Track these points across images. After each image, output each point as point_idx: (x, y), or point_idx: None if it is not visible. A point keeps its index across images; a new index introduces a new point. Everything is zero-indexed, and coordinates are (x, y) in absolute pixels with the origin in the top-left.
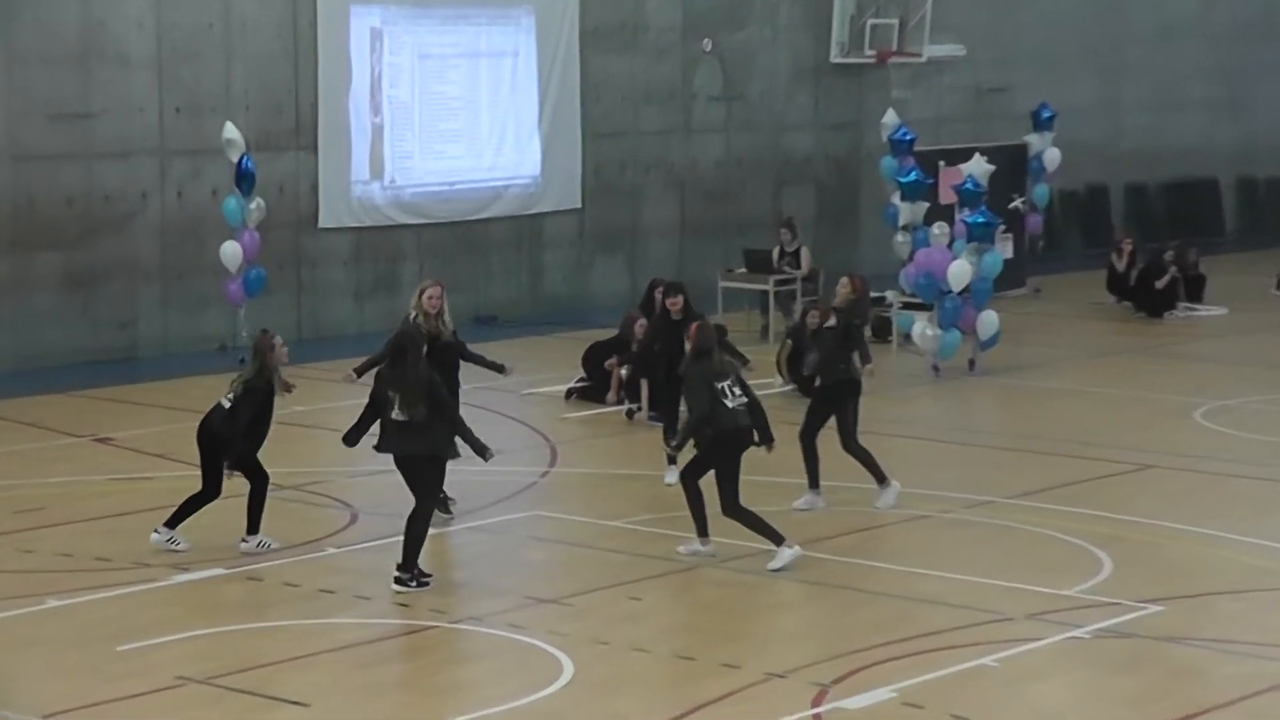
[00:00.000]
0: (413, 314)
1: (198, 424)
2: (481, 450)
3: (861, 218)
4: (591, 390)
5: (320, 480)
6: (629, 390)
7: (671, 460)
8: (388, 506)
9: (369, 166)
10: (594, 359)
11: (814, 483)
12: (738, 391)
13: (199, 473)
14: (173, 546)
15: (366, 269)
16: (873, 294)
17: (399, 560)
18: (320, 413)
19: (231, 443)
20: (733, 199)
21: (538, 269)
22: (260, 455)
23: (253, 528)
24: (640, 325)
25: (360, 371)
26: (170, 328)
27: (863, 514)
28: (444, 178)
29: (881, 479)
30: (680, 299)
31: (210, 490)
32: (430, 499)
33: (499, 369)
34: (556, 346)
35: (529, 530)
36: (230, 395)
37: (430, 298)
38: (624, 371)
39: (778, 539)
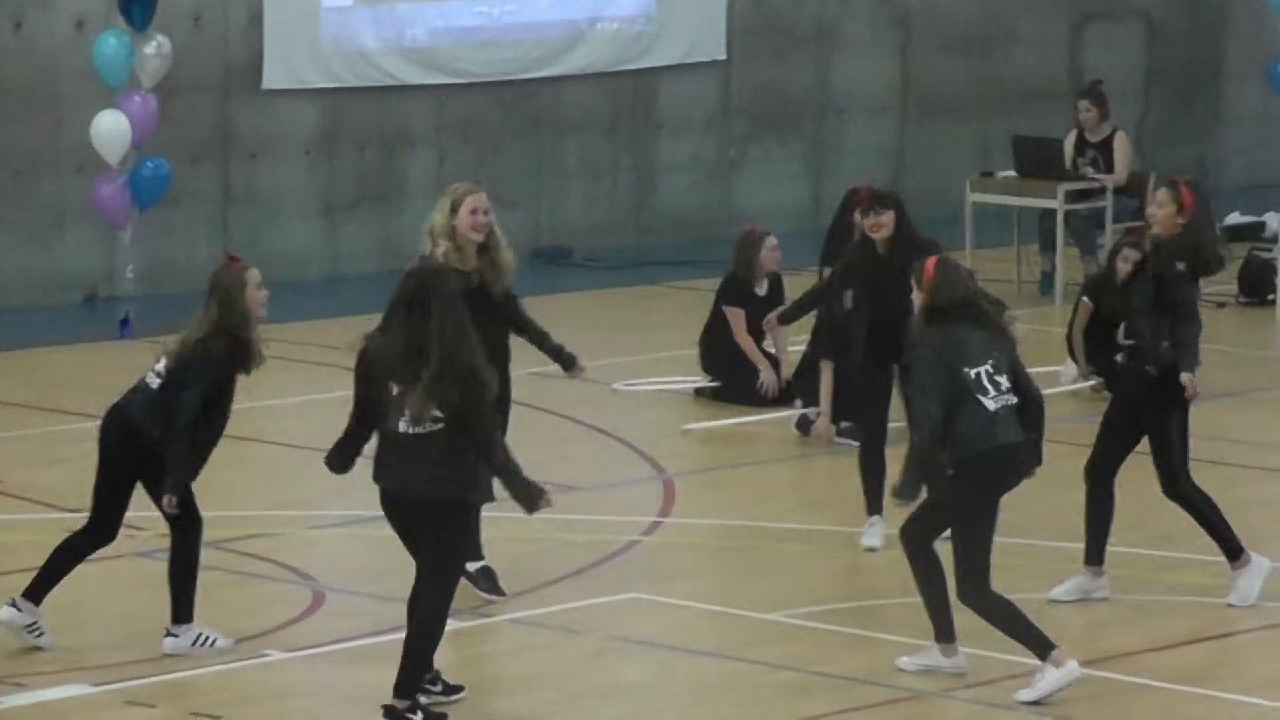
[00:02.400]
0: (438, 246)
1: (101, 419)
2: (530, 498)
3: (1227, 82)
4: (732, 390)
5: (263, 533)
6: (802, 382)
7: (875, 509)
8: (373, 579)
9: None
10: (722, 339)
11: (1095, 556)
12: (1003, 384)
13: (90, 502)
14: (33, 636)
15: (346, 164)
16: (1244, 219)
17: (395, 681)
18: (265, 414)
19: (170, 450)
20: (994, 49)
21: (645, 168)
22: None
23: (184, 612)
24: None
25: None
26: (2, 263)
27: (1204, 609)
28: (484, 5)
29: (1234, 551)
30: (890, 217)
31: (103, 530)
32: (449, 574)
33: (568, 364)
34: (678, 303)
35: (620, 625)
36: (163, 367)
37: (475, 214)
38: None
39: (1045, 647)
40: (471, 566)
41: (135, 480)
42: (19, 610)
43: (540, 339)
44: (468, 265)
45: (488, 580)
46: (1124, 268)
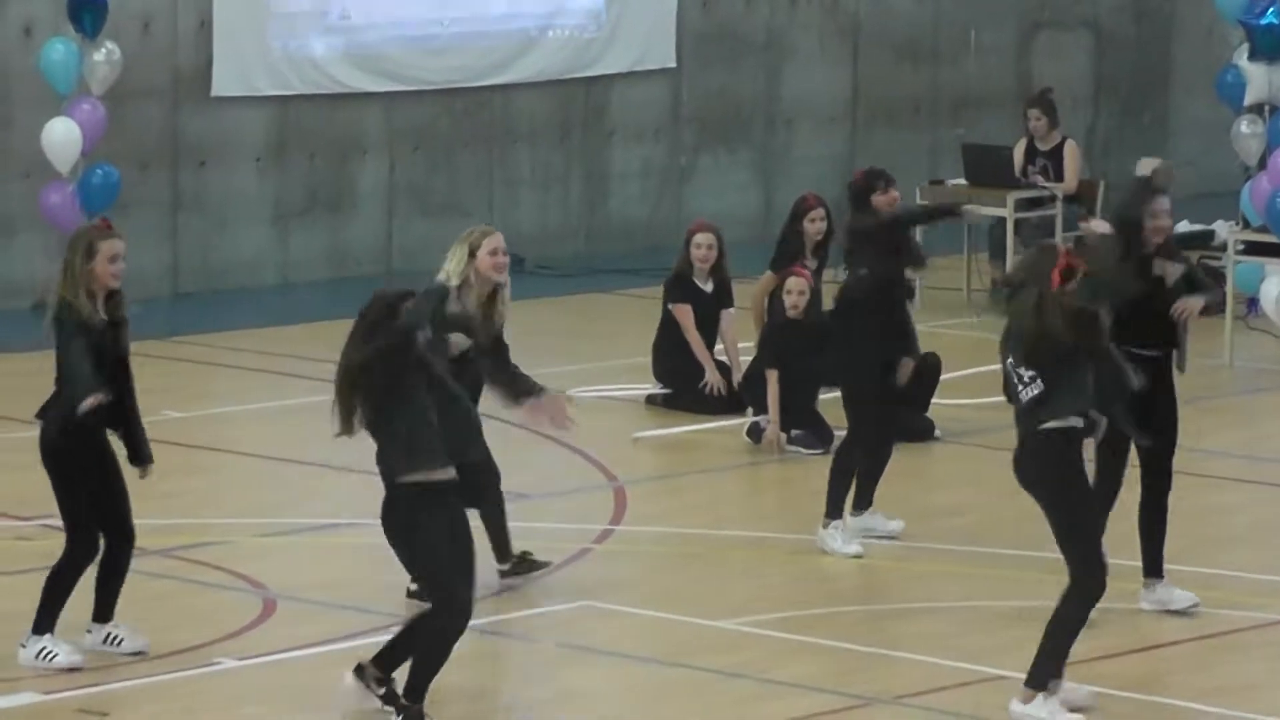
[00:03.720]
0: (453, 279)
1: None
2: None
3: (1175, 91)
4: (683, 397)
5: (214, 541)
6: (752, 391)
7: (835, 513)
8: (323, 587)
9: None
10: (674, 345)
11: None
12: (1026, 376)
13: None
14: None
15: (296, 171)
16: (1193, 228)
17: (403, 695)
18: (216, 421)
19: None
20: (944, 56)
21: (598, 176)
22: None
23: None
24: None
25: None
26: None
27: (1150, 617)
28: (435, 12)
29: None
30: (895, 194)
31: (85, 542)
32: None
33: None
34: (628, 311)
35: (572, 633)
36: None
37: (495, 254)
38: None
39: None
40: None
41: (91, 479)
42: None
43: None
44: (479, 309)
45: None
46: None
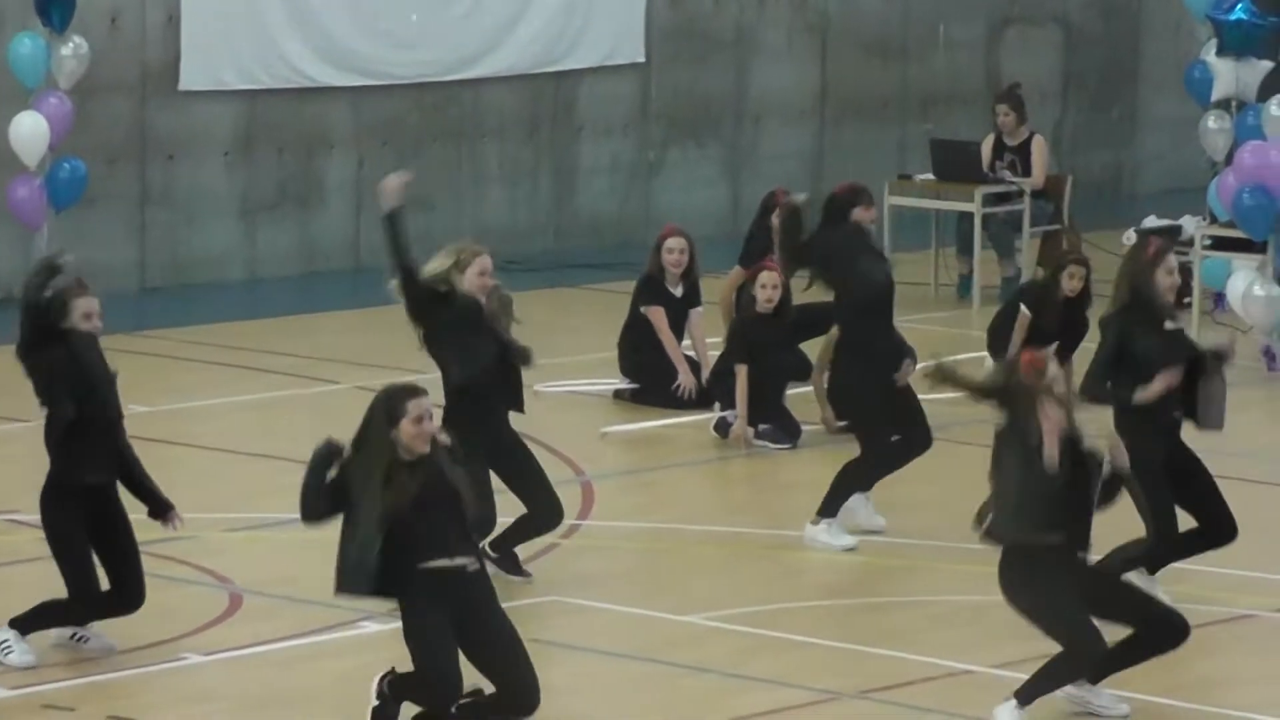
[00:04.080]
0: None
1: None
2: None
3: (1143, 87)
4: (650, 392)
5: (179, 536)
6: (719, 386)
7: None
8: (289, 582)
9: None
10: (640, 341)
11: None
12: None
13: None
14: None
15: (264, 166)
16: (1160, 222)
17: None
18: (182, 416)
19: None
20: (912, 53)
21: (567, 171)
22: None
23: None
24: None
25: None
26: None
27: None
28: (403, 8)
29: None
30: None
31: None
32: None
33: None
34: (596, 306)
35: (540, 629)
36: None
37: (483, 276)
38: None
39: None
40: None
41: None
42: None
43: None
44: None
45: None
46: (1071, 284)
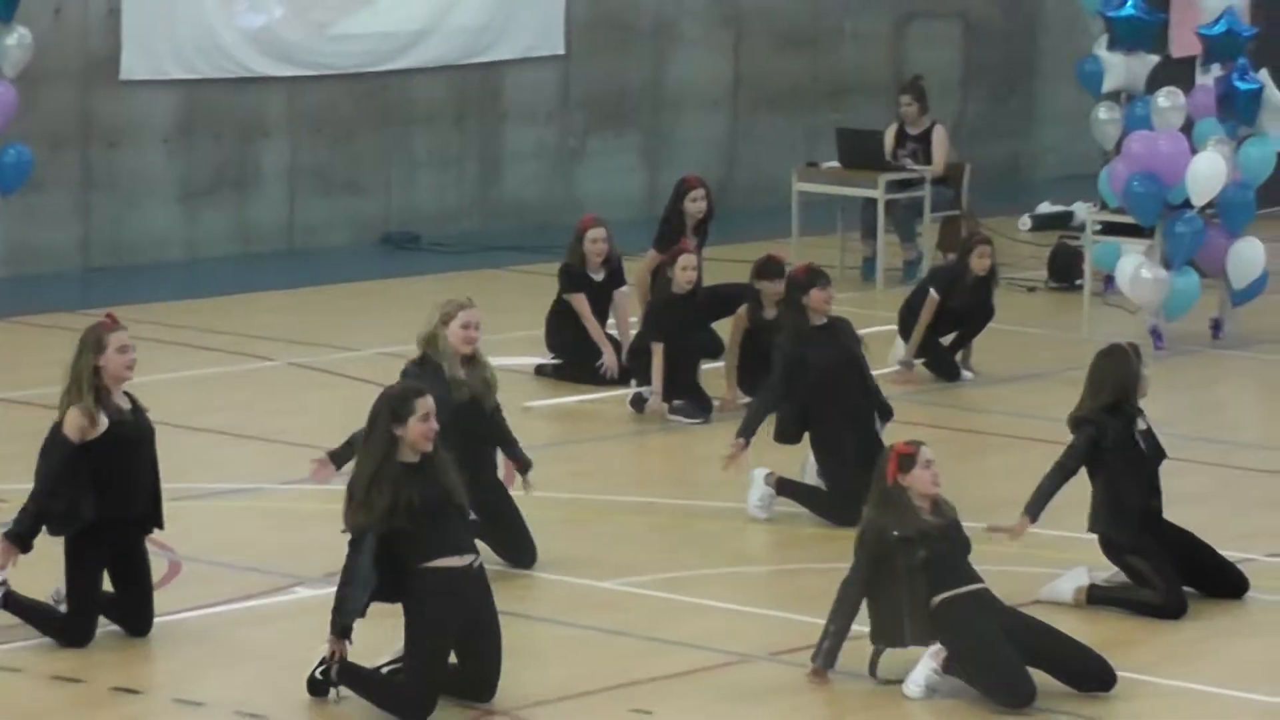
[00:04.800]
0: (419, 352)
1: None
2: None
3: (1039, 79)
4: (572, 369)
5: None
6: (637, 363)
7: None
8: (228, 549)
9: None
10: (565, 323)
11: None
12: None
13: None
14: None
15: (203, 152)
16: (1054, 209)
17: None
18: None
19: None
20: (821, 45)
21: (490, 158)
22: None
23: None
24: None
25: (340, 459)
26: None
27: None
28: (336, 0)
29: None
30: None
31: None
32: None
33: (525, 469)
34: (521, 287)
35: None
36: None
37: (467, 329)
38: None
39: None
40: None
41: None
42: None
43: (508, 447)
44: (462, 375)
45: None
46: (980, 264)
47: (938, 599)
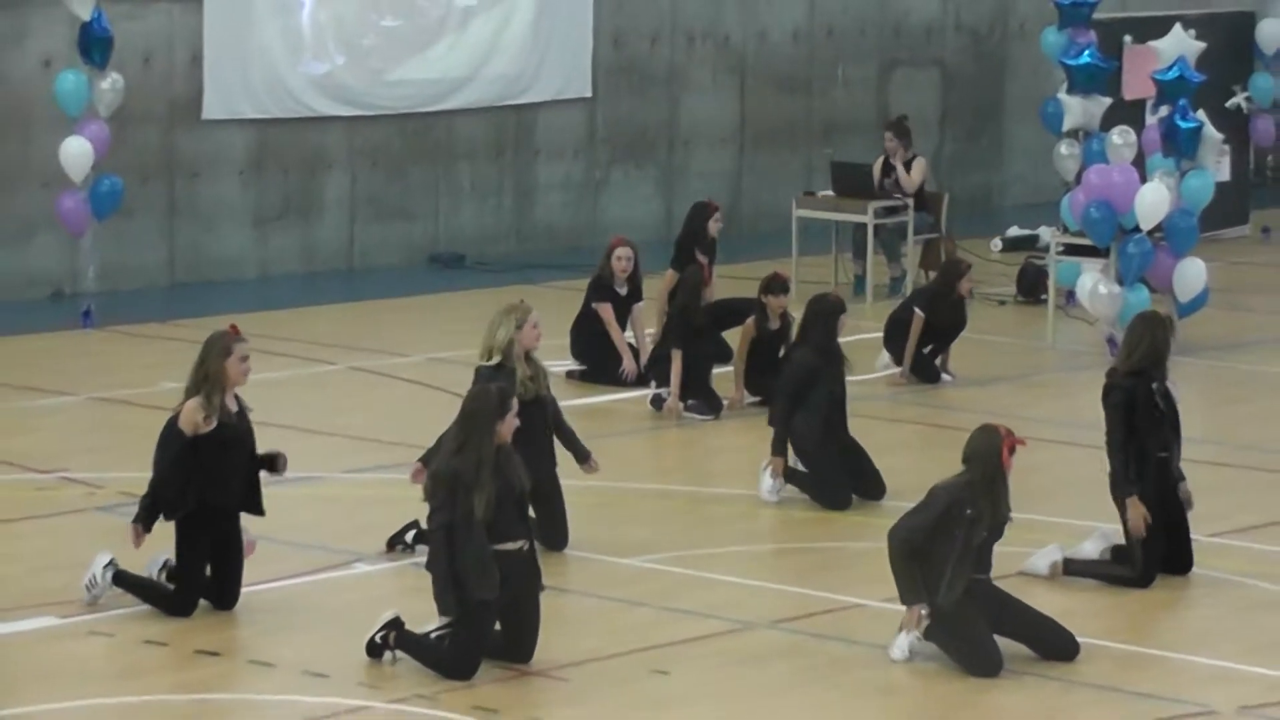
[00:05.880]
0: (497, 359)
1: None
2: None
3: (1008, 119)
4: (597, 373)
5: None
6: (656, 368)
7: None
8: (295, 530)
9: (279, 29)
10: (590, 331)
11: None
12: None
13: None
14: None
15: (273, 182)
16: (1021, 232)
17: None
18: None
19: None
20: (818, 88)
21: (525, 187)
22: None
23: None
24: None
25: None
26: None
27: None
28: (390, 50)
29: None
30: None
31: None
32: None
33: (583, 458)
34: (553, 301)
35: None
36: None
37: (536, 327)
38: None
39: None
40: None
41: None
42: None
43: (569, 439)
44: (525, 373)
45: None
46: (966, 286)
47: (972, 577)
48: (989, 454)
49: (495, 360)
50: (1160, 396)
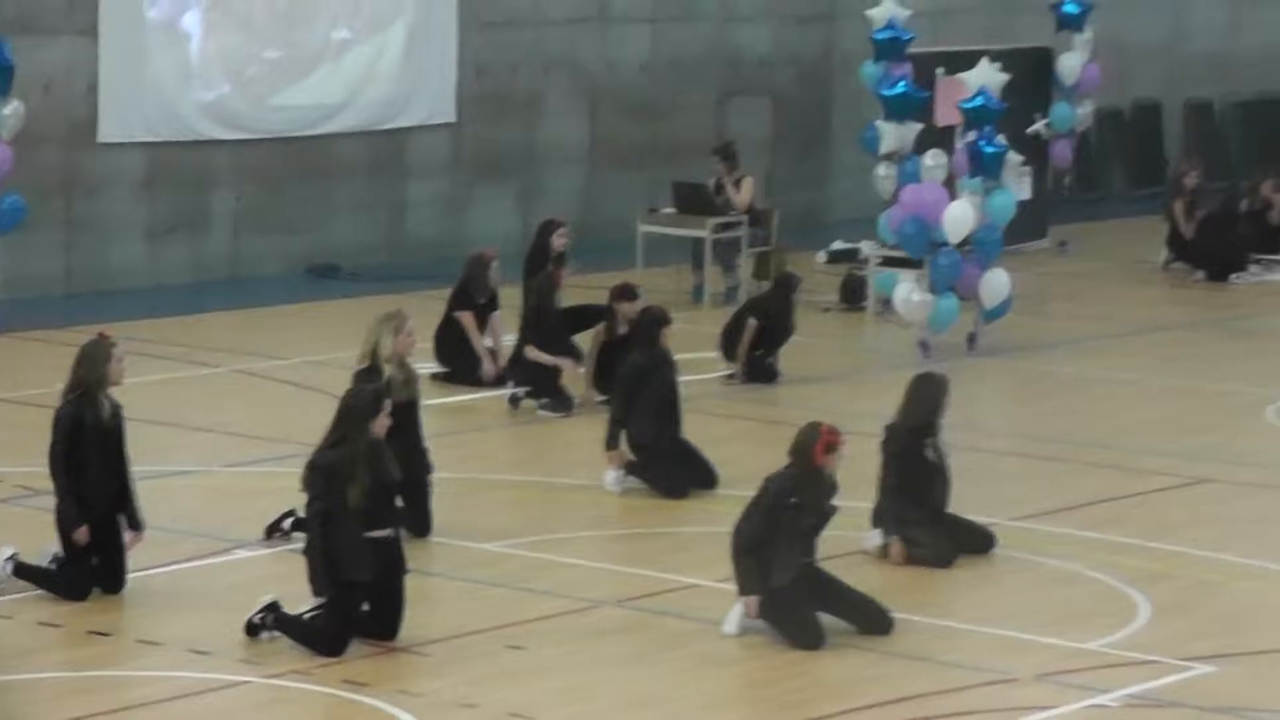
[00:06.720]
0: (384, 366)
1: None
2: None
3: (832, 143)
4: (459, 375)
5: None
6: (511, 369)
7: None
8: (181, 519)
9: (171, 59)
10: (452, 336)
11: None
12: None
13: None
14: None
15: (164, 200)
16: (844, 245)
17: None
18: None
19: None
20: (661, 114)
21: (397, 204)
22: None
23: None
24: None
25: None
26: None
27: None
28: (273, 76)
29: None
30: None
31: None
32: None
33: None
34: (420, 308)
35: None
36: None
37: (409, 335)
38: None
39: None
40: None
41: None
42: None
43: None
44: (399, 378)
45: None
46: (795, 297)
47: (801, 560)
48: (807, 448)
49: (371, 364)
50: (931, 449)
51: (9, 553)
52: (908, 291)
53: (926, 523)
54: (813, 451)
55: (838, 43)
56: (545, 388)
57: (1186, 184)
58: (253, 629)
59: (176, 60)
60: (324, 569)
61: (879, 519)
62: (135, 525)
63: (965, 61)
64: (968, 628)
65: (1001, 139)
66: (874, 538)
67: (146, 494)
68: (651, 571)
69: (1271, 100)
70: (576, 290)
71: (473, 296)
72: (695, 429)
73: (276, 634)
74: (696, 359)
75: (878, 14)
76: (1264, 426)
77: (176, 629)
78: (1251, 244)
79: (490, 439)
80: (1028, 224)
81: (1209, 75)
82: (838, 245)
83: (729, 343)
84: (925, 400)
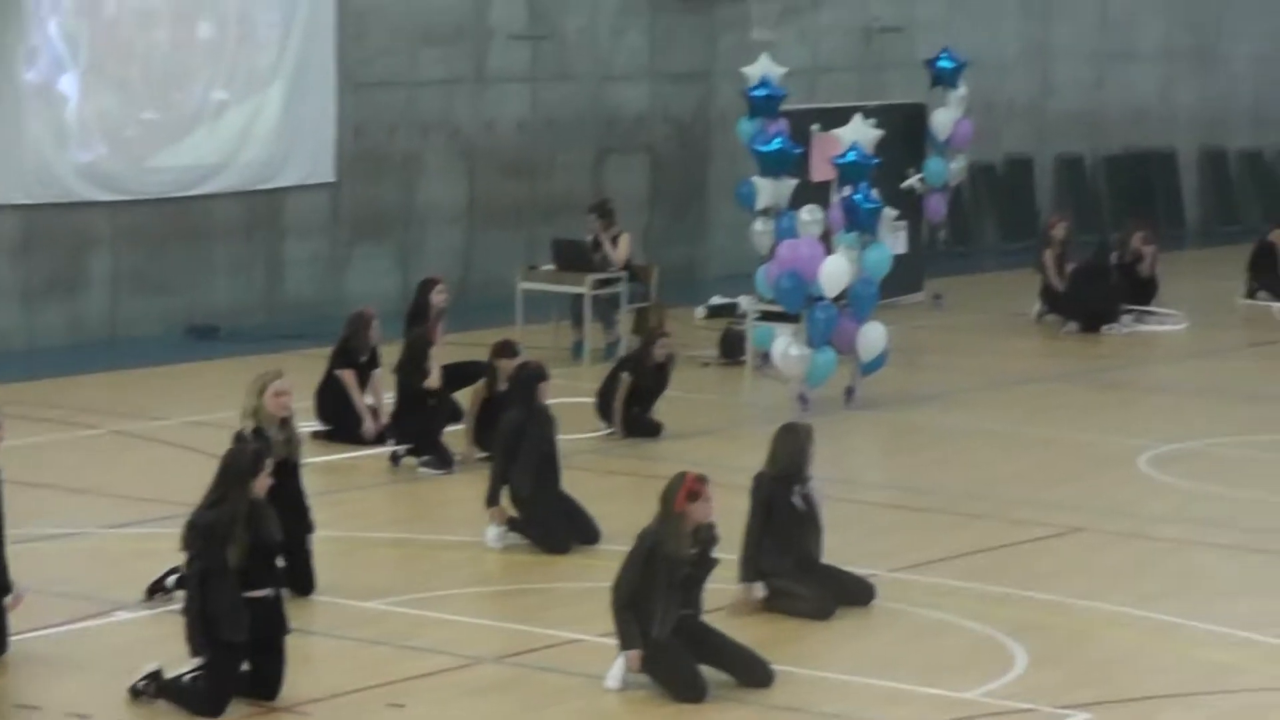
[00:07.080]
0: (250, 424)
1: None
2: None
3: (710, 199)
4: (340, 433)
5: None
6: (392, 427)
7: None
8: (59, 582)
9: (47, 121)
10: (334, 395)
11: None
12: None
13: None
14: None
15: (41, 261)
16: (723, 300)
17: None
18: None
19: None
20: (540, 173)
21: (275, 264)
22: None
23: None
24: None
25: None
26: None
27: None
28: (150, 138)
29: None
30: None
31: None
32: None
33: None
34: (300, 367)
35: None
36: None
37: (279, 396)
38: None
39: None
40: None
41: None
42: None
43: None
44: (279, 437)
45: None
46: (660, 353)
47: (681, 613)
48: (670, 495)
49: (255, 425)
50: (800, 498)
51: None
52: (785, 346)
53: (794, 571)
54: (675, 499)
55: (713, 100)
56: (426, 445)
57: (1055, 234)
58: (136, 695)
59: (53, 122)
60: (202, 629)
61: (742, 565)
62: (4, 588)
63: (840, 118)
64: (847, 678)
65: (876, 194)
66: (748, 591)
67: (24, 557)
68: (533, 627)
69: (1139, 154)
70: (456, 348)
71: (354, 355)
72: (576, 484)
73: (159, 701)
74: (577, 415)
75: (753, 71)
76: (1136, 475)
77: (57, 693)
78: (1123, 295)
79: (371, 497)
80: (903, 278)
81: (1078, 130)
82: (716, 300)
83: (604, 401)
84: (790, 449)
